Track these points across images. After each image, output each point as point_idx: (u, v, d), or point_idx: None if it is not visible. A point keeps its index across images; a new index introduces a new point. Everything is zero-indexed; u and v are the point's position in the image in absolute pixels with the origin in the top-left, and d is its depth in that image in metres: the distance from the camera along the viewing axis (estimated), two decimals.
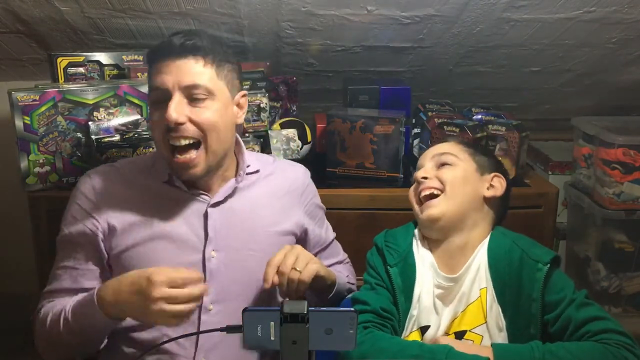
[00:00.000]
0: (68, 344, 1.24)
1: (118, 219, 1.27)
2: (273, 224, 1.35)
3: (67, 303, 1.23)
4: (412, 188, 1.35)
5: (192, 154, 1.24)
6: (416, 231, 1.33)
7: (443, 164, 1.31)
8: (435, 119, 1.89)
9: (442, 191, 1.28)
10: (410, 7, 1.86)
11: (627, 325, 1.18)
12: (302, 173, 1.48)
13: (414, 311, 1.25)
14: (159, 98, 1.24)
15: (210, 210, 1.31)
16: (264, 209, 1.36)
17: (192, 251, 1.28)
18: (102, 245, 1.27)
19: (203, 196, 1.32)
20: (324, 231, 1.50)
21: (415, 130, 2.06)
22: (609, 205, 2.03)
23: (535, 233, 1.77)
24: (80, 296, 1.23)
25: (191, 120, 1.22)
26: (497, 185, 1.32)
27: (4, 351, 2.36)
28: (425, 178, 1.30)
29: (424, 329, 1.24)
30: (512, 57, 2.16)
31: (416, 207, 1.31)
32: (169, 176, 1.30)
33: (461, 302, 1.23)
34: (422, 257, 1.28)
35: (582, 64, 2.20)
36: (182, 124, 1.21)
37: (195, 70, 1.23)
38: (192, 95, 1.23)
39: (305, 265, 1.23)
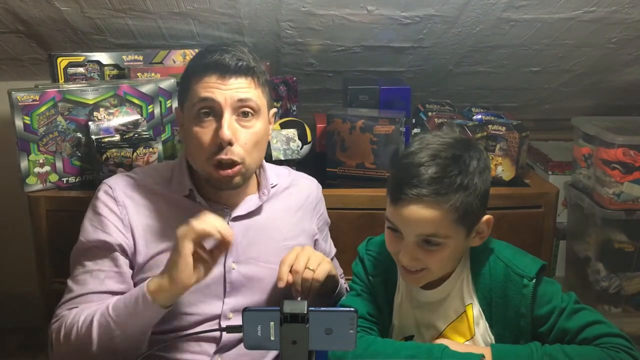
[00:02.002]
0: (97, 355, 1.15)
1: (140, 230, 1.27)
2: (290, 238, 1.37)
3: (97, 309, 1.16)
4: (389, 239, 1.18)
5: (235, 168, 1.25)
6: None
7: (429, 243, 1.12)
8: (435, 119, 1.89)
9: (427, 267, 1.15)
10: (410, 7, 1.86)
11: (626, 325, 1.18)
12: (315, 187, 1.49)
13: (395, 320, 1.25)
14: (204, 110, 1.24)
15: (231, 223, 1.31)
16: (282, 222, 1.38)
17: None
18: (127, 251, 1.26)
19: (224, 210, 1.32)
20: (328, 246, 1.52)
21: (415, 130, 2.05)
22: (608, 205, 2.03)
23: (535, 233, 1.79)
24: (118, 297, 1.17)
25: (238, 140, 1.24)
26: (485, 229, 1.17)
27: (4, 351, 2.36)
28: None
29: (408, 339, 1.23)
30: (512, 57, 2.16)
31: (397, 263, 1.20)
32: (189, 191, 1.31)
33: (441, 320, 1.21)
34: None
35: (582, 64, 2.20)
36: (232, 144, 1.23)
37: (247, 89, 1.25)
38: (241, 112, 1.25)
39: (317, 264, 1.25)
